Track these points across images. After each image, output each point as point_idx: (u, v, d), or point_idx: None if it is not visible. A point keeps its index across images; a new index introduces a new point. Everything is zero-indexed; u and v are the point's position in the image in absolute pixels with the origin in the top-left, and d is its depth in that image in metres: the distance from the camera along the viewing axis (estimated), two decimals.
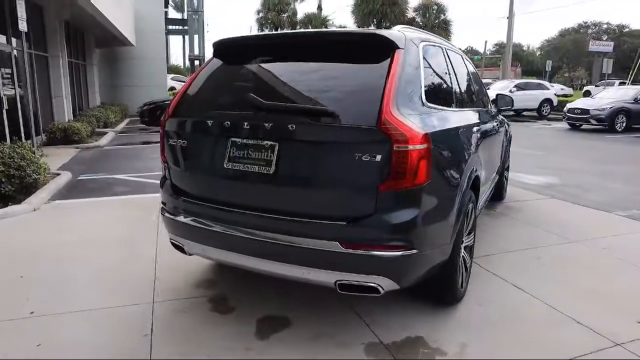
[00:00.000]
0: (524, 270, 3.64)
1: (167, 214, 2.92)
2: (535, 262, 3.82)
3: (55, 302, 3.08)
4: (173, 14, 34.11)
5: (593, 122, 14.55)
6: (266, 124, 2.41)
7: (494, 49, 60.95)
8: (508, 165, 5.99)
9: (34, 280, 3.42)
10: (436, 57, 3.11)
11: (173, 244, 2.99)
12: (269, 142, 2.42)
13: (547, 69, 34.61)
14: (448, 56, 3.43)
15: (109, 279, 3.47)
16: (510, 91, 19.40)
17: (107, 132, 12.98)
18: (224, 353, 2.52)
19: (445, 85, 3.11)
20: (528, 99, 19.40)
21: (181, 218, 2.78)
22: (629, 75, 29.49)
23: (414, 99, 2.46)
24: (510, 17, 28.51)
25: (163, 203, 3.02)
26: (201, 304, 3.06)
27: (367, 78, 2.46)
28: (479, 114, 3.77)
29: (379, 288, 2.33)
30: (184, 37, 48.69)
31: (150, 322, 2.84)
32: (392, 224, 2.27)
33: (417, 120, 2.35)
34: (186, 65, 53.76)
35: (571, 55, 59.32)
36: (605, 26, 62.01)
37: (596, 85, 36.02)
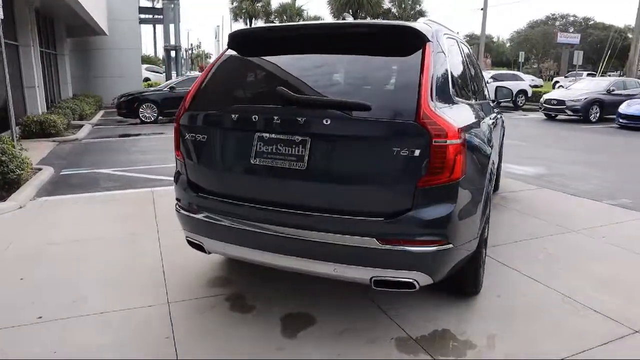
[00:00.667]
0: (534, 261, 3.69)
1: (183, 211, 2.81)
2: (542, 252, 3.88)
3: (63, 305, 2.93)
4: (144, 2, 33.07)
5: (568, 112, 14.95)
6: (299, 119, 2.32)
7: (466, 39, 61.78)
8: (501, 156, 6.08)
9: (35, 283, 3.25)
10: (454, 49, 3.09)
11: (190, 242, 2.88)
12: (301, 137, 2.34)
13: (520, 60, 35.33)
14: (461, 48, 3.41)
15: (115, 279, 3.34)
16: (487, 82, 19.70)
17: (83, 125, 12.53)
18: (255, 354, 2.45)
19: (464, 78, 3.10)
20: None
21: (200, 215, 2.68)
22: (599, 67, 30.45)
23: (445, 92, 2.43)
24: (485, 9, 28.86)
25: (178, 199, 2.90)
26: (219, 304, 2.98)
27: (400, 71, 2.41)
28: (489, 106, 3.78)
29: (415, 283, 2.31)
30: (154, 27, 47.42)
31: (169, 324, 2.73)
32: (429, 219, 2.24)
33: (451, 114, 2.32)
34: (157, 55, 52.49)
35: (540, 47, 60.74)
36: (572, 18, 63.75)
37: (565, 76, 37.09)
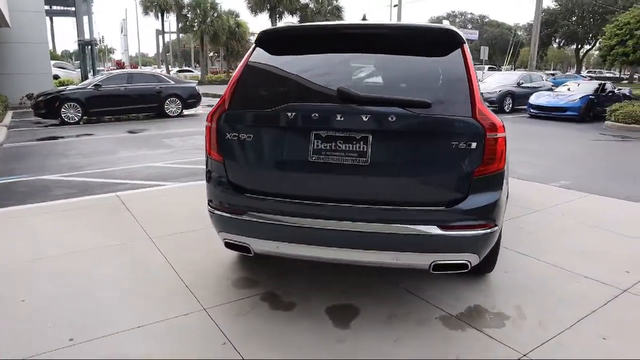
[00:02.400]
0: (518, 239, 4.12)
1: (222, 213, 2.76)
2: (522, 231, 4.34)
3: (90, 323, 2.74)
4: None
5: (485, 104, 16.32)
6: (363, 116, 2.42)
7: None
8: None
9: (42, 303, 2.98)
10: None
11: (229, 245, 2.84)
12: (362, 134, 2.44)
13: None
14: None
15: (132, 290, 3.17)
16: None
17: None
18: (319, 348, 2.52)
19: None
20: None
21: (247, 216, 2.67)
22: (505, 62, 33.47)
23: (479, 90, 2.66)
24: (399, 5, 30.28)
25: (213, 201, 2.84)
26: (257, 305, 2.97)
27: (446, 71, 2.60)
28: None
29: (468, 264, 2.53)
30: (51, 19, 43.20)
31: (217, 329, 2.69)
32: (483, 205, 2.47)
33: (490, 110, 2.56)
34: (56, 51, 47.91)
35: None
36: (469, 16, 69.09)
37: None
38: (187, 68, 53.35)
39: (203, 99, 16.05)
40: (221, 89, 28.05)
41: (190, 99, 14.78)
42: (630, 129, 12.45)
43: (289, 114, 2.53)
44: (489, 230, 2.50)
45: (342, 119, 2.45)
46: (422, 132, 2.45)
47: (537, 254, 3.79)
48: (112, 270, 3.46)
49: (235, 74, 2.81)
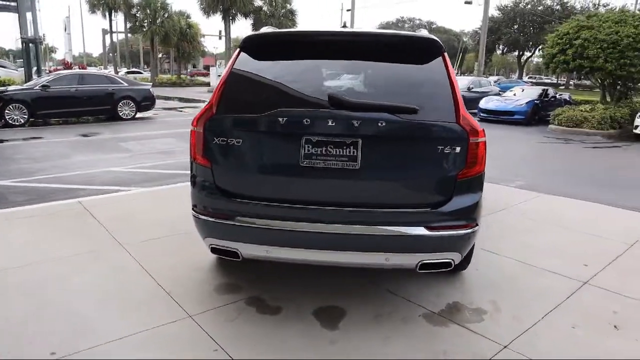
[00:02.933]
0: (485, 238, 4.32)
1: (209, 218, 2.74)
2: (488, 230, 4.57)
3: (71, 336, 2.63)
4: None
5: None
6: (354, 121, 2.48)
7: None
8: None
9: (18, 317, 2.82)
10: None
11: (216, 250, 2.82)
12: (352, 139, 2.50)
13: None
14: None
15: (111, 300, 3.07)
16: None
17: None
18: (311, 350, 2.56)
19: None
20: None
21: (235, 221, 2.66)
22: (454, 67, 34.78)
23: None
24: (352, 11, 30.75)
25: (197, 206, 2.81)
26: (243, 310, 2.97)
27: (429, 78, 2.70)
28: None
29: (452, 262, 2.65)
30: None
31: (206, 336, 2.67)
32: (466, 206, 2.61)
33: (471, 116, 2.70)
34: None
35: None
36: (418, 22, 71.12)
37: None
38: (135, 69, 51.51)
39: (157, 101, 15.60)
40: (173, 92, 27.44)
41: (145, 102, 14.32)
42: (572, 132, 13.35)
43: (281, 119, 2.55)
44: (470, 230, 2.64)
45: (334, 124, 2.50)
46: (410, 137, 2.55)
47: (504, 251, 4.01)
48: (87, 279, 3.33)
49: (221, 78, 2.80)
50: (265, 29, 3.02)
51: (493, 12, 50.03)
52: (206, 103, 2.78)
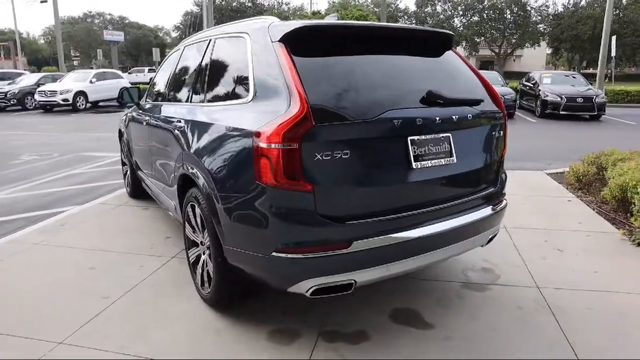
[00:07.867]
0: None
1: (316, 254, 2.16)
2: None
3: None
4: None
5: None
6: (453, 117, 2.51)
7: None
8: None
9: None
10: None
11: (322, 290, 2.23)
12: (444, 134, 2.50)
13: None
14: None
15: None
16: (91, 82, 18.62)
17: None
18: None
19: None
20: (109, 88, 19.23)
21: (354, 247, 2.19)
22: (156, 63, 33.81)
23: None
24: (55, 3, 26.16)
25: (297, 244, 2.19)
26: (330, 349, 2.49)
27: (457, 68, 2.84)
28: None
29: (498, 234, 3.00)
30: None
31: None
32: (504, 181, 2.98)
33: None
34: None
35: (85, 44, 59.72)
36: (109, 17, 65.33)
37: (129, 72, 38.45)
38: None
39: None
40: None
41: None
42: None
43: (395, 121, 2.27)
44: (505, 202, 3.00)
45: (439, 121, 2.44)
46: (481, 125, 2.73)
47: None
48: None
49: (293, 79, 2.17)
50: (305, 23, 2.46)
51: (191, 6, 50.84)
52: (283, 113, 2.14)
